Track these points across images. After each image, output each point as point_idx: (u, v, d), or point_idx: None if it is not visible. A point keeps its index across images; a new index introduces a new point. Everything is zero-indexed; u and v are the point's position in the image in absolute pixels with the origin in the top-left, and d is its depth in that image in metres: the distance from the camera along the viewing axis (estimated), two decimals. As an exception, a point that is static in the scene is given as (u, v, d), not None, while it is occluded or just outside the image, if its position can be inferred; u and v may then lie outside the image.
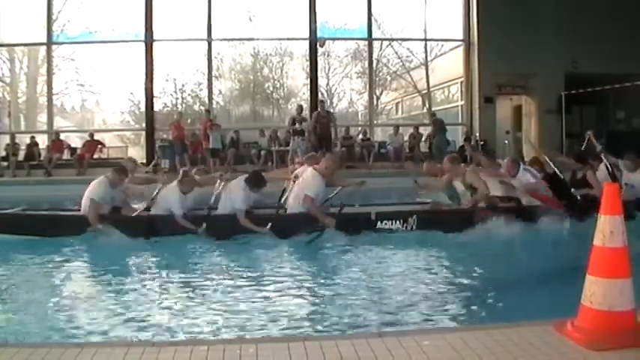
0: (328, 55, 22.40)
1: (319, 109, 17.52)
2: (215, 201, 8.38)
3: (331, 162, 8.55)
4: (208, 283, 6.01)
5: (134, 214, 8.51)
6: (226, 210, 8.23)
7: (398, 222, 8.19)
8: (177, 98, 21.69)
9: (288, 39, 21.46)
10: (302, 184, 8.27)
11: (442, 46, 22.60)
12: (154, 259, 7.06)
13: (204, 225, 7.93)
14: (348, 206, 8.41)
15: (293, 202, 8.29)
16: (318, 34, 20.54)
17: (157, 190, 8.55)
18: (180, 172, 8.70)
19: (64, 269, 6.61)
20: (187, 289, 5.75)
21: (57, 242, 7.62)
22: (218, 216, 8.19)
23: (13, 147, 18.24)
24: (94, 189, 8.32)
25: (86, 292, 5.65)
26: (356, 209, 8.77)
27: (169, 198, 8.21)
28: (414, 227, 8.17)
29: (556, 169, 9.21)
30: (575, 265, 4.29)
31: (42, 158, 18.29)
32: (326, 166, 8.37)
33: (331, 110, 19.71)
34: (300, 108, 18.33)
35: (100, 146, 19.30)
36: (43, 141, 19.58)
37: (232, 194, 8.21)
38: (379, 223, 8.17)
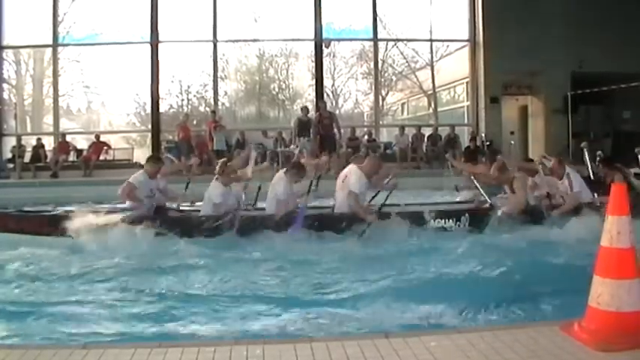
0: (334, 56, 22.34)
1: (320, 111, 17.51)
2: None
3: (375, 163, 8.60)
4: (216, 283, 6.01)
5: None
6: (272, 204, 8.31)
7: (451, 220, 8.26)
8: (182, 100, 21.68)
9: (293, 40, 21.41)
10: (347, 183, 8.34)
11: (448, 46, 22.53)
12: (160, 259, 7.04)
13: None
14: (394, 205, 8.46)
15: (342, 203, 8.36)
16: (324, 35, 20.56)
17: (185, 185, 8.61)
18: (219, 163, 8.65)
19: (71, 269, 6.60)
20: (194, 289, 5.75)
21: (63, 241, 7.63)
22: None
23: (19, 149, 18.29)
24: (132, 176, 8.31)
25: (93, 293, 5.65)
26: (406, 208, 8.68)
27: (210, 191, 8.29)
28: (467, 225, 8.25)
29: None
30: (582, 265, 4.27)
31: (48, 160, 18.34)
32: (370, 167, 8.42)
33: (335, 111, 19.72)
34: (306, 109, 18.29)
35: (106, 148, 19.38)
36: (49, 143, 19.65)
37: (275, 186, 8.31)
38: (433, 221, 8.22)
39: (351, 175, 8.36)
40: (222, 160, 8.90)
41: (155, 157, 8.96)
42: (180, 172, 10.21)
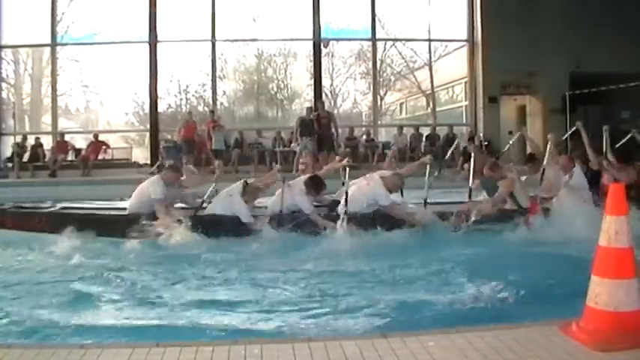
0: (332, 56, 22.38)
1: (319, 111, 17.50)
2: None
3: (398, 183, 8.46)
4: (213, 282, 6.00)
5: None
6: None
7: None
8: (181, 99, 21.71)
9: (292, 40, 21.45)
10: (365, 190, 8.25)
11: (446, 46, 22.58)
12: (158, 259, 7.04)
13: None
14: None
15: (353, 206, 8.15)
16: (322, 35, 20.57)
17: (209, 191, 8.53)
18: (241, 182, 8.38)
19: (69, 268, 6.59)
20: (192, 289, 5.74)
21: (61, 239, 7.58)
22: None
23: (19, 148, 18.27)
24: (153, 189, 8.07)
25: (91, 292, 5.64)
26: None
27: (237, 210, 8.09)
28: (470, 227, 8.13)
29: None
30: (582, 265, 4.27)
31: (46, 159, 18.33)
32: (392, 185, 8.33)
33: (334, 111, 19.71)
34: (310, 109, 18.19)
35: (104, 147, 19.36)
36: (47, 142, 19.64)
37: (298, 202, 8.19)
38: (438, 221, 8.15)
39: (375, 187, 8.25)
40: (243, 180, 8.66)
41: (175, 167, 8.85)
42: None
